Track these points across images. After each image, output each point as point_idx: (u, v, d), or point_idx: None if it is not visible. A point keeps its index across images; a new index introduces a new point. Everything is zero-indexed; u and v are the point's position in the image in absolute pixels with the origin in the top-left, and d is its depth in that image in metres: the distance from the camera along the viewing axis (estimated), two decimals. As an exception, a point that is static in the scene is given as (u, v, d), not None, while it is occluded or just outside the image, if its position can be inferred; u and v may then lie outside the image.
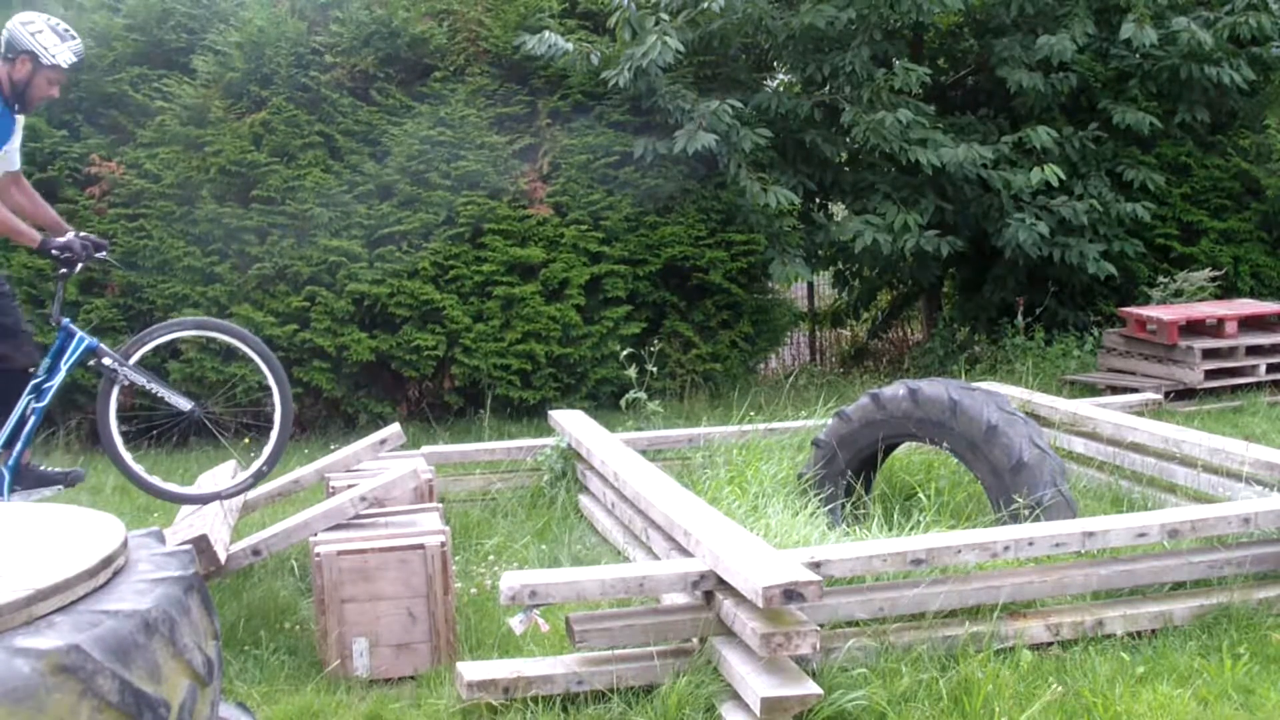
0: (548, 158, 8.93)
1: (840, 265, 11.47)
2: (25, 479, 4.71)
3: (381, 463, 5.67)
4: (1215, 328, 8.75)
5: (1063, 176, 9.49)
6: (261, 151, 8.37)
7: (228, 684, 4.10)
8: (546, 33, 8.63)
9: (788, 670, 3.60)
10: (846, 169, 10.50)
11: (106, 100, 8.49)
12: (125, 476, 4.77)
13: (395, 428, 5.76)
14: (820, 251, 10.43)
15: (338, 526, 4.60)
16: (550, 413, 6.83)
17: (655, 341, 8.66)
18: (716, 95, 9.03)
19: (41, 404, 4.58)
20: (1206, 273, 10.04)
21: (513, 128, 8.90)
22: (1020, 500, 4.92)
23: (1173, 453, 5.84)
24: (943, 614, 4.14)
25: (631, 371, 7.42)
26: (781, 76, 10.89)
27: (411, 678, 4.21)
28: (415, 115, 8.67)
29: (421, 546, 4.26)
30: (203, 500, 4.89)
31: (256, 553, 4.62)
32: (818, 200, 10.83)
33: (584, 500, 6.15)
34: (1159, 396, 8.00)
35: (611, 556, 5.42)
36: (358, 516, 4.68)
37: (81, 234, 4.73)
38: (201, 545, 4.22)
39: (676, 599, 4.14)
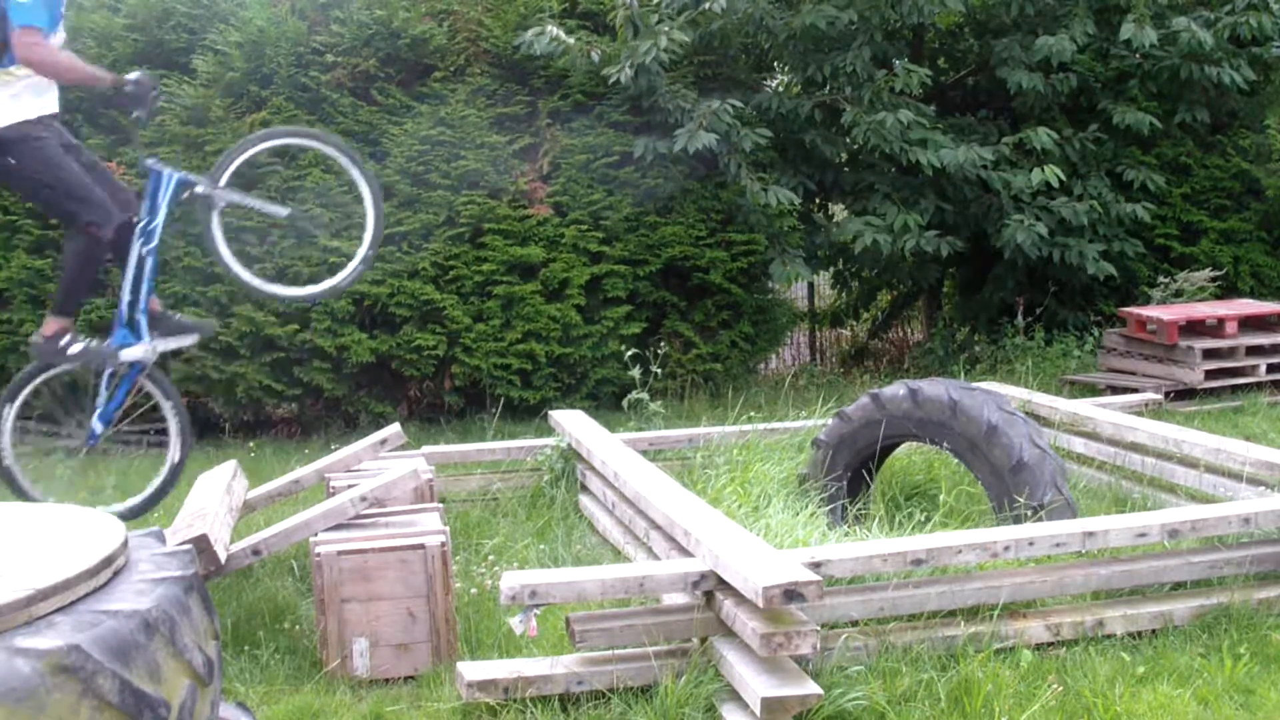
0: (548, 157, 8.92)
1: (840, 265, 11.47)
2: (160, 325, 4.84)
3: (382, 463, 5.67)
4: (1215, 328, 8.75)
5: (1063, 177, 9.49)
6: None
7: (228, 684, 4.10)
8: (548, 27, 8.61)
9: (788, 670, 3.60)
10: (846, 169, 10.50)
11: (106, 100, 8.47)
12: (242, 286, 4.94)
13: (395, 428, 5.76)
14: (820, 252, 10.43)
15: (338, 526, 4.60)
16: (550, 413, 6.83)
17: (660, 344, 8.66)
18: (716, 95, 9.03)
19: (151, 245, 4.71)
20: (1206, 273, 10.03)
21: (513, 128, 8.89)
22: (1020, 500, 4.92)
23: (1173, 453, 5.84)
24: (943, 614, 4.15)
25: (636, 372, 7.41)
26: (782, 76, 10.89)
27: (411, 678, 4.21)
28: (415, 115, 8.67)
29: (421, 546, 4.26)
30: (322, 296, 5.05)
31: (256, 553, 4.62)
32: (818, 201, 10.83)
33: (584, 500, 6.15)
34: (1159, 396, 8.00)
35: (611, 556, 5.42)
36: (358, 516, 4.68)
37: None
38: (201, 545, 4.22)
39: (676, 599, 4.13)
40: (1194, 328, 8.79)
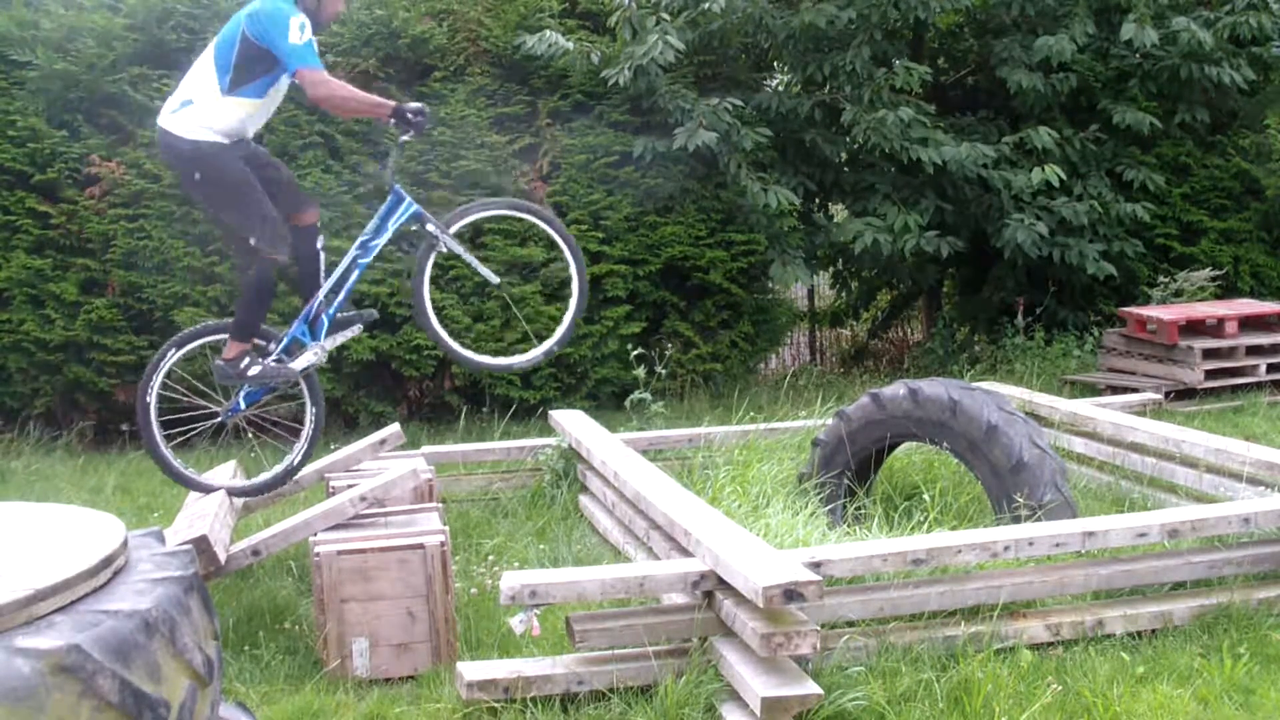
0: (548, 157, 8.93)
1: (840, 265, 11.47)
2: (336, 324, 5.01)
3: (381, 463, 5.68)
4: (1215, 328, 8.75)
5: (1063, 176, 9.49)
6: (261, 151, 8.36)
7: (228, 684, 4.10)
8: (547, 31, 8.63)
9: (788, 670, 3.60)
10: (846, 169, 10.49)
11: (106, 100, 8.48)
12: (444, 349, 5.06)
13: (395, 428, 5.77)
14: (820, 252, 10.43)
15: (337, 526, 4.60)
16: (550, 413, 6.83)
17: (664, 344, 8.66)
18: (716, 95, 9.03)
19: (366, 259, 4.89)
20: (1206, 273, 10.03)
21: (513, 128, 8.89)
22: (1020, 500, 4.92)
23: (1173, 453, 5.84)
24: (943, 614, 4.15)
25: (640, 371, 7.41)
26: (781, 76, 10.89)
27: (411, 678, 4.21)
28: (415, 115, 8.66)
29: (421, 546, 4.26)
30: (528, 364, 5.29)
31: (256, 553, 4.62)
32: (818, 201, 10.83)
33: (584, 500, 6.15)
34: (1159, 396, 8.00)
35: (611, 556, 5.42)
36: (357, 516, 4.68)
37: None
38: (201, 545, 4.23)
39: (676, 599, 4.14)
40: (1194, 328, 8.79)
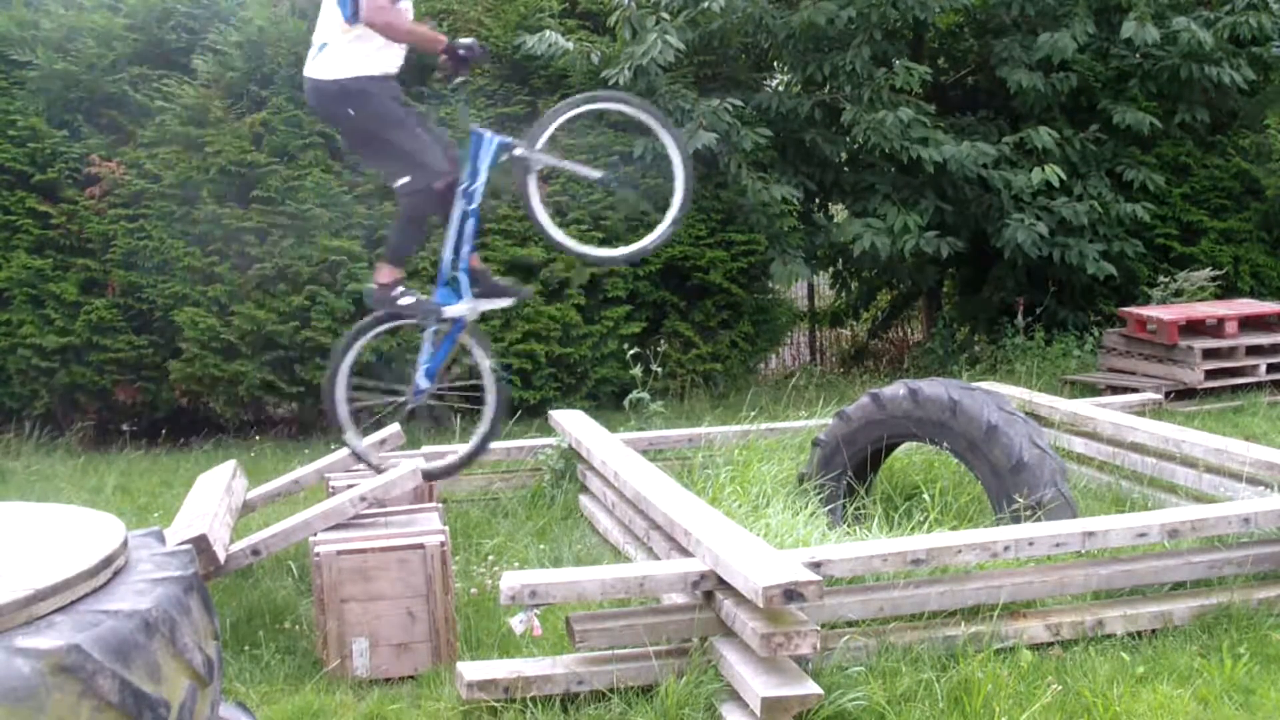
0: (548, 157, 8.92)
1: (840, 266, 11.47)
2: (480, 283, 4.98)
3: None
4: (1215, 328, 8.75)
5: (1063, 177, 9.49)
6: (261, 151, 8.37)
7: (228, 684, 4.10)
8: (547, 32, 8.63)
9: (788, 670, 3.60)
10: (846, 169, 10.49)
11: (106, 100, 8.48)
12: (555, 246, 5.02)
13: (395, 428, 5.76)
14: (820, 252, 10.43)
15: (337, 526, 4.60)
16: (550, 413, 6.83)
17: (661, 343, 8.65)
18: (716, 95, 9.03)
19: (474, 205, 4.84)
20: (1206, 273, 10.03)
21: (513, 128, 8.86)
22: (1020, 500, 4.92)
23: (1173, 453, 5.84)
24: (943, 614, 4.14)
25: (637, 371, 7.41)
26: (781, 76, 10.89)
27: (411, 678, 4.21)
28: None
29: (421, 546, 4.26)
30: (630, 258, 5.26)
31: (256, 553, 4.62)
32: (818, 201, 10.83)
33: (584, 500, 6.15)
34: (1159, 396, 8.00)
35: (611, 556, 5.42)
36: (357, 516, 4.68)
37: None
38: (201, 545, 4.22)
39: (676, 599, 4.13)
40: (1194, 328, 8.79)
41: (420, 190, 4.74)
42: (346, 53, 4.66)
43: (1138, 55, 10.25)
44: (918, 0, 9.21)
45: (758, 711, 3.47)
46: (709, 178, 9.29)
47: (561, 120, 4.88)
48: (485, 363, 5.10)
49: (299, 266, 8.25)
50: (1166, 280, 10.01)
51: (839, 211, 11.12)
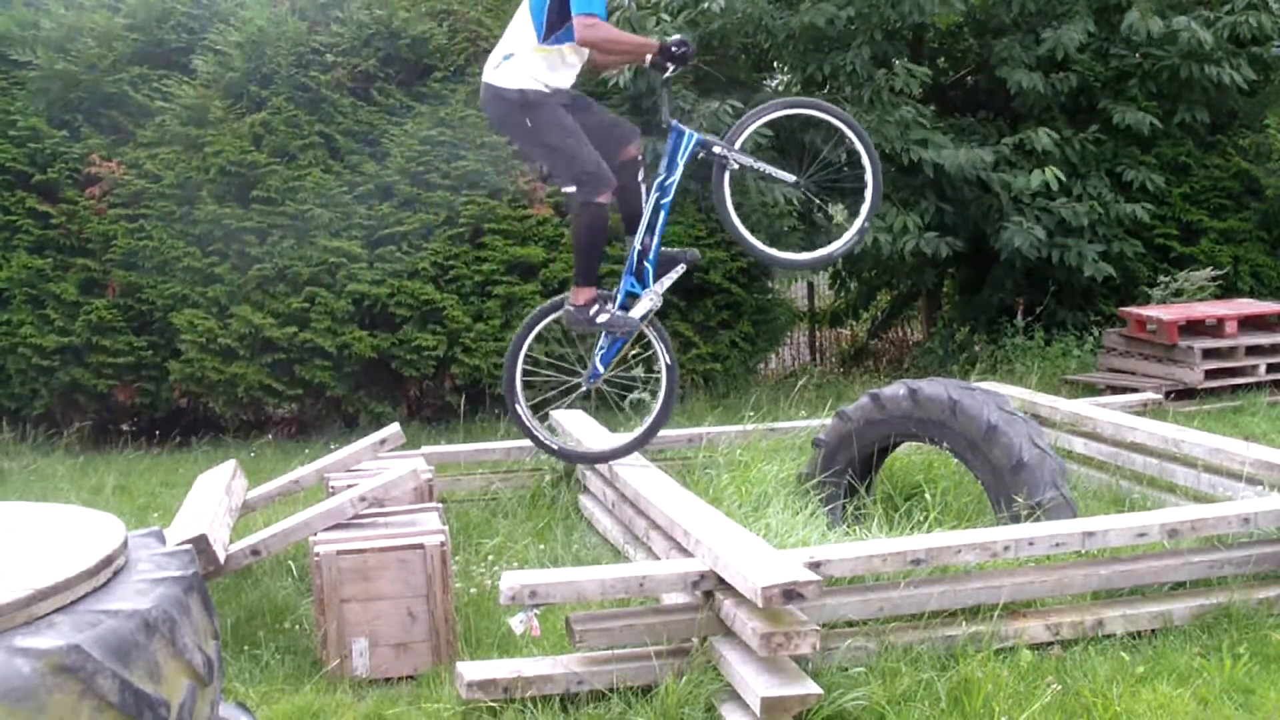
0: (548, 157, 8.92)
1: (839, 266, 11.47)
2: (660, 266, 5.20)
3: (381, 463, 5.67)
4: (1215, 328, 8.75)
5: (1062, 178, 9.49)
6: (261, 152, 8.37)
7: (228, 684, 4.10)
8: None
9: (788, 670, 3.60)
10: (846, 169, 10.48)
11: (106, 100, 8.49)
12: (744, 247, 5.22)
13: (395, 428, 5.76)
14: (820, 252, 10.42)
15: (337, 526, 4.60)
16: (551, 413, 6.83)
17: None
18: (716, 95, 9.02)
19: (667, 199, 5.07)
20: (1206, 273, 10.03)
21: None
22: (1020, 500, 4.92)
23: (1173, 453, 5.84)
24: (942, 614, 4.14)
25: (638, 371, 7.40)
26: (781, 76, 10.88)
27: (411, 678, 4.21)
28: (415, 115, 8.66)
29: (421, 546, 4.26)
30: (818, 262, 5.47)
31: (256, 553, 4.62)
32: (818, 201, 10.82)
33: (584, 500, 6.15)
34: (1159, 396, 8.00)
35: (611, 556, 5.42)
36: (357, 516, 4.68)
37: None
38: (201, 545, 4.22)
39: (676, 599, 4.13)
40: (1194, 328, 8.79)
41: (586, 204, 4.92)
42: (531, 64, 4.86)
43: (1137, 55, 10.25)
44: (915, 5, 9.21)
45: (758, 711, 3.47)
46: (709, 178, 9.27)
47: (761, 122, 5.07)
48: (664, 355, 5.28)
49: (298, 267, 8.25)
50: (1166, 280, 10.01)
51: (838, 212, 11.12)
